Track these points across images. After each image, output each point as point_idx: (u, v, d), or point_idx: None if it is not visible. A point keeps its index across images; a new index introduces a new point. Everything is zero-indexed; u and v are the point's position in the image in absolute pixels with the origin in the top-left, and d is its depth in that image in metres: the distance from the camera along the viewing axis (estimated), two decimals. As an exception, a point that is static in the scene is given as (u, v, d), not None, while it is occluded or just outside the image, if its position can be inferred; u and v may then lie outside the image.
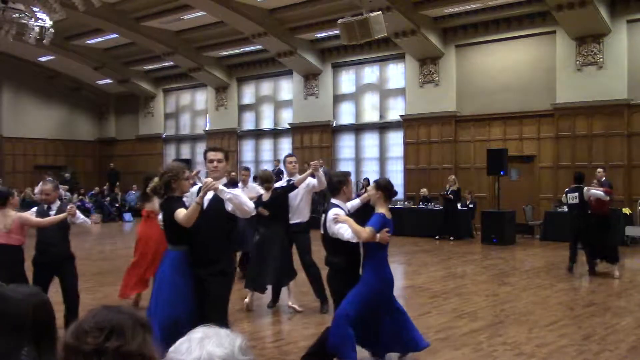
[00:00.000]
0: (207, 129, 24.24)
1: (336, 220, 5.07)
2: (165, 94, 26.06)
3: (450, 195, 15.57)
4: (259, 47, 20.44)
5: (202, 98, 24.81)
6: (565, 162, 15.61)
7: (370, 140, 19.64)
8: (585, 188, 10.21)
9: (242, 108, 23.25)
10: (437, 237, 15.50)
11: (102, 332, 1.59)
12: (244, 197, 4.82)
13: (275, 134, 22.21)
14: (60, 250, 6.37)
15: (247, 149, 23.20)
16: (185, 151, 25.34)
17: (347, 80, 20.23)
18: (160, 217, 6.08)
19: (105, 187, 23.80)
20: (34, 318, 2.19)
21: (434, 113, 17.65)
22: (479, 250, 13.73)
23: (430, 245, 14.47)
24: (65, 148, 26.90)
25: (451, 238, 15.25)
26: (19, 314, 2.17)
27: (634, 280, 9.89)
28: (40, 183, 6.71)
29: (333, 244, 5.15)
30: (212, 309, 4.66)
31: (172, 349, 1.52)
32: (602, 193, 10.14)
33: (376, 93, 19.61)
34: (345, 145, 20.23)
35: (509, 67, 16.54)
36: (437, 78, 17.75)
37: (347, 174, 5.60)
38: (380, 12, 12.78)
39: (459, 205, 15.80)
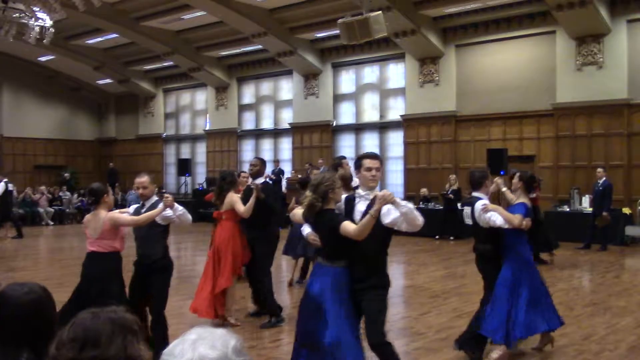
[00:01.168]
0: (207, 128, 24.25)
1: (485, 210, 5.47)
2: (165, 93, 26.06)
3: (450, 195, 15.57)
4: (259, 47, 20.44)
5: (202, 98, 24.81)
6: (565, 162, 15.61)
7: (370, 140, 19.64)
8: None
9: (242, 108, 23.25)
10: (437, 237, 15.50)
11: (76, 342, 1.60)
12: (416, 211, 4.35)
13: (276, 133, 22.22)
14: (149, 255, 5.48)
15: (247, 149, 23.20)
16: (185, 151, 25.35)
17: (347, 80, 20.24)
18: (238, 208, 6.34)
19: (105, 187, 23.75)
20: (32, 318, 2.16)
21: (434, 113, 17.65)
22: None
23: (431, 245, 14.48)
24: (65, 148, 26.90)
25: (451, 238, 15.25)
26: (17, 314, 2.14)
27: (634, 280, 9.89)
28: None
29: (484, 232, 5.61)
30: (372, 323, 4.33)
31: (166, 351, 1.52)
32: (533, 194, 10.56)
33: (376, 93, 19.61)
34: (346, 145, 20.23)
35: (509, 67, 16.54)
36: (437, 78, 17.76)
37: (487, 170, 6.06)
38: (380, 12, 12.78)
39: (459, 205, 15.78)
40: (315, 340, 4.18)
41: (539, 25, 16.01)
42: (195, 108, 25.18)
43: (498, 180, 6.10)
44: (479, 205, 5.55)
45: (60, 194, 22.03)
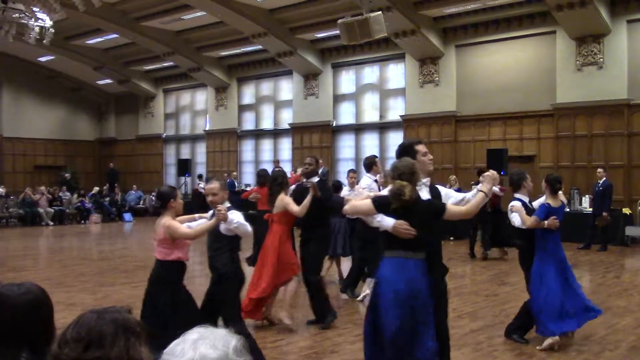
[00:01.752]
0: (207, 129, 24.25)
1: (511, 210, 6.10)
2: (165, 94, 26.06)
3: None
4: (259, 47, 20.44)
5: (202, 98, 24.81)
6: (565, 162, 15.61)
7: (371, 141, 19.64)
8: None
9: (242, 108, 23.25)
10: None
11: (80, 343, 1.60)
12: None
13: (275, 134, 22.22)
14: (215, 267, 5.28)
15: (247, 149, 23.20)
16: (185, 151, 25.35)
17: (347, 80, 20.23)
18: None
19: (105, 187, 23.80)
20: (30, 318, 2.15)
21: (434, 113, 17.65)
22: (478, 250, 13.73)
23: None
24: (65, 148, 26.90)
25: (451, 238, 15.24)
26: (15, 315, 2.14)
27: (634, 280, 9.89)
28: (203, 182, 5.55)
29: (515, 229, 6.23)
30: (443, 308, 4.43)
31: (167, 350, 1.52)
32: (497, 189, 11.01)
33: (376, 93, 19.61)
34: (345, 145, 20.23)
35: (509, 67, 16.54)
36: (437, 78, 17.76)
37: (523, 172, 6.41)
38: (380, 12, 12.78)
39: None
40: (419, 341, 4.03)
41: (539, 25, 16.01)
42: (195, 108, 25.18)
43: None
44: (509, 205, 6.16)
45: (60, 194, 22.03)
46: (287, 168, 20.38)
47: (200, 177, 19.82)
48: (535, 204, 6.42)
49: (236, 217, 5.02)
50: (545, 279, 5.90)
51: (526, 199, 6.24)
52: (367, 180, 8.13)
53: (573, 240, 12.91)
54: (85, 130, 27.87)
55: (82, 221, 21.38)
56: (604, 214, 12.86)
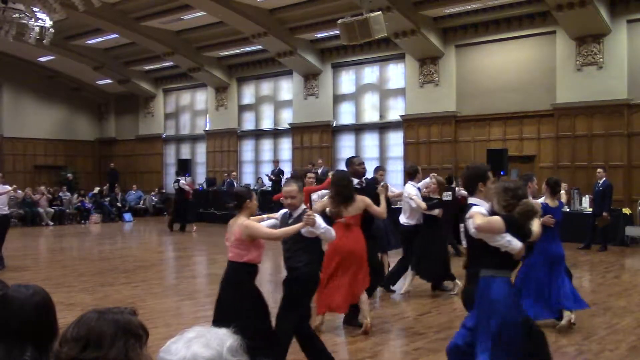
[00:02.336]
0: (207, 129, 24.25)
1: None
2: (165, 94, 26.06)
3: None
4: (259, 47, 20.44)
5: (202, 98, 24.81)
6: (565, 162, 15.61)
7: (370, 140, 19.64)
8: (457, 188, 11.66)
9: (242, 108, 23.25)
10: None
11: (78, 342, 1.60)
12: None
13: (275, 134, 22.21)
14: (293, 268, 5.08)
15: (247, 149, 23.20)
16: (185, 151, 25.35)
17: (347, 80, 20.23)
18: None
19: (105, 187, 23.81)
20: (37, 318, 2.20)
21: (434, 113, 17.65)
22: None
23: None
24: (65, 148, 26.90)
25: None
26: (23, 316, 2.18)
27: (633, 281, 9.89)
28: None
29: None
30: None
31: (163, 348, 1.52)
32: (464, 192, 11.36)
33: (376, 93, 19.61)
34: (345, 145, 20.23)
35: (509, 67, 16.54)
36: (437, 78, 17.76)
37: (532, 175, 7.14)
38: (380, 12, 12.79)
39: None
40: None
41: (539, 25, 16.01)
42: (195, 108, 25.18)
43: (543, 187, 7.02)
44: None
45: (60, 194, 22.04)
46: (286, 168, 20.42)
47: (178, 173, 19.95)
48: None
49: (321, 222, 4.93)
50: (533, 270, 6.43)
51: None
52: (412, 188, 8.47)
53: (573, 240, 12.91)
54: (85, 130, 27.87)
55: (82, 221, 21.38)
56: (604, 214, 12.86)
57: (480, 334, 4.16)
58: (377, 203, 6.75)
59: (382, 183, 7.66)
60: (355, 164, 7.55)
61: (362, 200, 6.48)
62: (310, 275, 5.06)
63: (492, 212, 4.37)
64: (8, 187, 11.37)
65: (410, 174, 8.77)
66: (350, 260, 6.35)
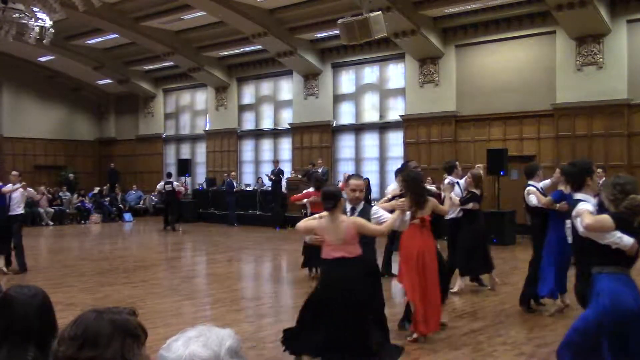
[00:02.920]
0: (207, 129, 24.25)
1: (529, 193, 7.42)
2: (165, 94, 26.06)
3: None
4: (259, 47, 20.44)
5: (202, 98, 24.81)
6: (565, 162, 15.55)
7: (370, 140, 19.64)
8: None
9: (242, 108, 23.25)
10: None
11: (75, 341, 1.61)
12: None
13: (275, 134, 22.21)
14: (369, 260, 5.30)
15: (247, 149, 23.20)
16: (185, 151, 25.35)
17: (347, 80, 20.23)
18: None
19: (105, 187, 23.81)
20: (39, 318, 2.22)
21: (434, 113, 17.64)
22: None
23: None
24: (65, 148, 26.89)
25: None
26: (26, 316, 2.21)
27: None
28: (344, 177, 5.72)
29: (531, 209, 7.56)
30: None
31: (164, 345, 1.52)
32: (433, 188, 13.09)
33: (376, 93, 19.61)
34: (345, 145, 20.23)
35: (509, 67, 16.54)
36: (437, 78, 17.76)
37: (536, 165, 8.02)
38: (380, 12, 12.77)
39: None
40: None
41: (539, 25, 16.01)
42: (195, 108, 25.18)
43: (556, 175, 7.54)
44: (526, 189, 7.52)
45: (60, 194, 22.03)
46: (286, 168, 20.43)
47: (169, 175, 20.61)
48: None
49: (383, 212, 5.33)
50: (552, 249, 7.18)
51: (538, 185, 7.64)
52: (450, 183, 8.56)
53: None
54: (85, 130, 27.87)
55: (82, 221, 21.38)
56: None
57: (594, 332, 4.13)
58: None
59: (447, 182, 8.14)
60: (411, 168, 7.96)
61: (432, 200, 6.53)
62: (377, 268, 5.66)
63: (599, 206, 4.49)
64: (18, 185, 10.97)
65: (448, 170, 9.11)
66: (428, 259, 6.29)
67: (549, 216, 7.22)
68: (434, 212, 6.51)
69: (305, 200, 10.69)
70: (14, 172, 11.49)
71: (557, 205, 6.95)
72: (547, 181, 8.13)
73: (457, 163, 9.26)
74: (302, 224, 5.30)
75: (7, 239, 10.73)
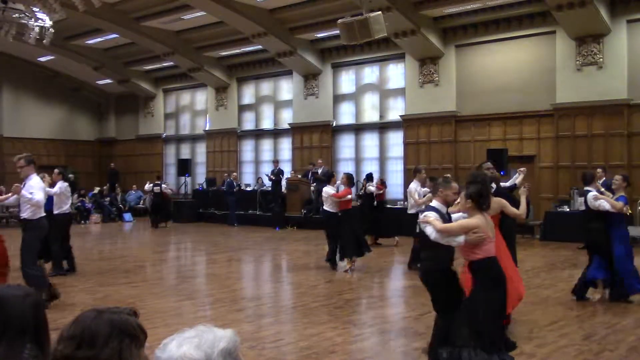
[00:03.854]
0: (207, 129, 24.25)
1: (596, 198, 7.81)
2: (165, 94, 26.07)
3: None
4: (259, 47, 20.44)
5: (202, 98, 24.81)
6: (565, 162, 15.61)
7: (370, 140, 19.64)
8: (368, 184, 13.38)
9: (242, 108, 23.26)
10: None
11: (73, 340, 1.61)
12: None
13: (275, 134, 22.22)
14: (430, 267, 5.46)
15: (247, 149, 23.21)
16: (185, 151, 25.36)
17: (347, 80, 20.23)
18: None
19: (105, 187, 23.80)
20: (34, 316, 2.23)
21: (434, 113, 17.65)
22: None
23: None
24: (65, 148, 26.91)
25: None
26: (22, 314, 2.21)
27: (634, 280, 9.88)
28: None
29: (593, 214, 7.97)
30: None
31: (160, 345, 1.51)
32: (374, 189, 14.49)
33: (376, 93, 19.61)
34: (345, 145, 20.23)
35: (509, 67, 16.54)
36: (437, 78, 17.76)
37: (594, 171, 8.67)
38: (380, 12, 12.76)
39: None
40: None
41: (539, 25, 16.01)
42: (195, 108, 25.19)
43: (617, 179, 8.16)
44: (590, 195, 7.91)
45: (60, 194, 21.97)
46: (286, 168, 20.43)
47: (159, 177, 21.51)
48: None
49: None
50: (621, 248, 7.85)
51: (596, 192, 8.13)
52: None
53: (573, 240, 12.92)
54: (85, 130, 27.87)
55: (82, 221, 21.38)
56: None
57: None
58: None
59: (524, 184, 8.43)
60: (484, 169, 8.06)
61: (498, 202, 6.43)
62: (426, 271, 5.48)
63: None
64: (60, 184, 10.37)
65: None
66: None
67: (612, 219, 7.88)
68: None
69: (349, 196, 11.01)
70: (55, 170, 10.79)
71: (624, 208, 7.84)
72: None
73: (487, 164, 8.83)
74: (456, 224, 5.08)
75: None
